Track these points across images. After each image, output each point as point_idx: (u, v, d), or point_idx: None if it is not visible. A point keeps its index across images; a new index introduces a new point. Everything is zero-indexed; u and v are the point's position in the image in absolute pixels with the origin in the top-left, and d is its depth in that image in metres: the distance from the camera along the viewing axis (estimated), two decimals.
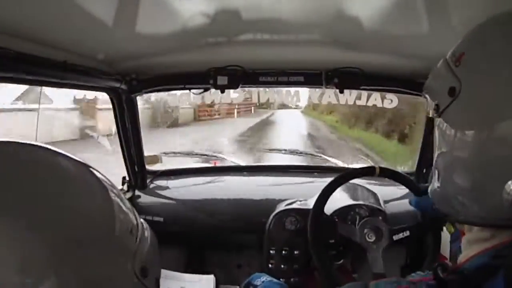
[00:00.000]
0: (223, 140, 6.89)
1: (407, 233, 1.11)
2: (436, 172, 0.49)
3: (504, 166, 0.39)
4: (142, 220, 0.52)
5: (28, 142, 0.47)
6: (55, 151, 0.47)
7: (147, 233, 0.51)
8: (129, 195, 1.51)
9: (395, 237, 1.11)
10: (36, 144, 0.47)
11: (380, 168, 1.15)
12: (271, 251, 1.31)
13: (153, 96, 3.16)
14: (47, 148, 0.47)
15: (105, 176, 0.49)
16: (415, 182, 1.16)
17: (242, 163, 1.85)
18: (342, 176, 1.16)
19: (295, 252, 1.29)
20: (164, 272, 1.26)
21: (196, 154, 1.90)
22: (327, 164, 1.83)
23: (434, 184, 0.51)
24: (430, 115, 0.49)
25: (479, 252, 0.45)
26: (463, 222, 0.49)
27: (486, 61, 0.42)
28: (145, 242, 0.47)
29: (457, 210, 0.48)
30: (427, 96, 0.51)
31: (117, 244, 0.42)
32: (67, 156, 0.47)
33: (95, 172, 0.48)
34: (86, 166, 0.48)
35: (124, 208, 0.47)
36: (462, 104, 0.43)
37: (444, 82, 0.45)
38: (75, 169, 0.47)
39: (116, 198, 0.47)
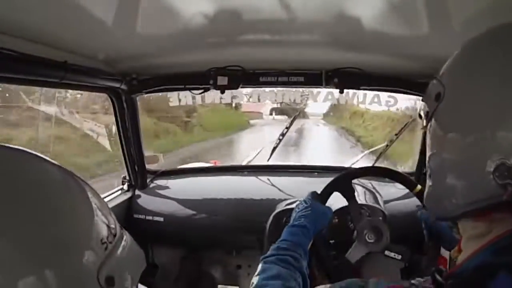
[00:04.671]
0: None
1: (398, 257, 1.10)
2: (429, 171, 0.53)
3: (483, 152, 0.43)
4: (121, 229, 0.52)
5: (11, 146, 0.47)
6: (37, 156, 0.48)
7: (125, 242, 0.51)
8: (129, 194, 1.51)
9: (386, 253, 1.11)
10: (16, 148, 0.48)
11: (375, 167, 1.14)
12: None
13: None
14: (28, 152, 0.48)
15: (87, 183, 0.50)
16: (410, 178, 1.15)
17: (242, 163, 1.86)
18: (336, 180, 1.14)
19: None
20: None
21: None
22: (327, 164, 1.83)
23: (428, 183, 0.54)
24: (424, 124, 0.55)
25: (477, 250, 0.45)
26: (457, 217, 0.49)
27: (466, 70, 0.49)
28: (118, 251, 0.48)
29: (449, 207, 0.49)
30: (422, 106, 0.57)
31: (83, 252, 0.43)
32: (49, 162, 0.48)
33: (76, 179, 0.49)
34: (69, 173, 0.49)
35: (100, 217, 0.47)
36: (445, 106, 0.49)
37: (433, 91, 0.51)
38: (56, 175, 0.48)
39: (94, 206, 0.47)
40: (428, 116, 0.52)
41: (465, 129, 0.46)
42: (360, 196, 1.36)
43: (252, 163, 1.92)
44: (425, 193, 0.56)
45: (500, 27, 0.48)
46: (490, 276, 0.40)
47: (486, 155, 0.42)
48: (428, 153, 0.53)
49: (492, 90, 0.44)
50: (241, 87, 1.36)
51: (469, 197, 0.46)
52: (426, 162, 0.54)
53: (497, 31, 0.48)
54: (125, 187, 1.54)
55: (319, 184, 1.21)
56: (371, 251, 1.10)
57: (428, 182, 0.54)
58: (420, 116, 0.56)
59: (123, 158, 1.49)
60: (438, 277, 0.45)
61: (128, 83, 1.32)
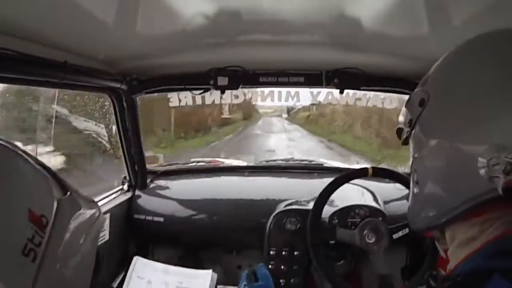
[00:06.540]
0: None
1: (406, 231, 1.11)
2: (415, 177, 0.53)
3: (471, 151, 0.44)
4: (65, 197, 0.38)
5: None
6: None
7: (66, 219, 0.37)
8: (129, 195, 1.51)
9: (395, 236, 1.11)
10: None
11: (373, 168, 1.15)
12: (271, 252, 1.31)
13: None
14: None
15: (28, 154, 0.38)
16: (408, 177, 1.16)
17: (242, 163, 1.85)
18: (335, 182, 1.16)
19: (295, 253, 1.29)
20: (162, 266, 1.25)
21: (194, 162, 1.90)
22: (326, 165, 1.82)
23: (413, 191, 0.53)
24: (405, 133, 0.55)
25: (469, 254, 0.45)
26: (450, 220, 0.48)
27: (448, 75, 0.50)
28: (55, 256, 0.34)
29: (440, 211, 0.48)
30: (402, 116, 0.57)
31: None
32: None
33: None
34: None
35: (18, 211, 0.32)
36: (431, 109, 0.50)
37: (416, 98, 0.52)
38: None
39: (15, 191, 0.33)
40: (412, 124, 0.52)
41: (454, 129, 0.46)
42: (360, 197, 1.36)
43: (252, 164, 1.92)
44: (410, 202, 0.55)
45: (487, 35, 0.49)
46: (484, 279, 0.40)
47: (476, 153, 0.43)
48: (412, 159, 0.53)
49: (480, 90, 0.45)
50: (241, 88, 1.36)
51: (461, 196, 0.45)
52: (411, 169, 0.53)
53: (483, 38, 0.49)
54: (125, 187, 1.53)
55: (318, 184, 1.22)
56: (373, 251, 1.10)
57: (415, 189, 0.53)
58: (398, 131, 0.56)
59: (123, 158, 1.49)
60: (432, 282, 0.45)
61: (128, 84, 1.32)
